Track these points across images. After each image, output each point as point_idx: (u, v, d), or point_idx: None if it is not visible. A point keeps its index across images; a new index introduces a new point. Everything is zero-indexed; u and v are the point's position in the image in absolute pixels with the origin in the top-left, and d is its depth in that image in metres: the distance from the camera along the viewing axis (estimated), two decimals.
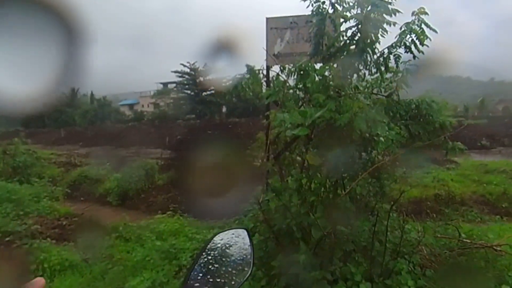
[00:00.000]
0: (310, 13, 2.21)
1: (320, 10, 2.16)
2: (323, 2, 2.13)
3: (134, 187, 5.81)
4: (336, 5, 2.15)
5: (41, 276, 0.41)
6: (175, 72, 21.43)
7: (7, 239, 3.44)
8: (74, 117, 22.22)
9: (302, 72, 2.38)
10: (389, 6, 1.92)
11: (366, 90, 2.28)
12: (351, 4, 2.06)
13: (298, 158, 2.61)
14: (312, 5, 2.15)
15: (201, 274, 0.64)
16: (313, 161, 2.50)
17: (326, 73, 2.24)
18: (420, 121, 2.12)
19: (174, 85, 23.63)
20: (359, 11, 2.02)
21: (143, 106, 25.94)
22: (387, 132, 2.14)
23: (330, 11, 2.17)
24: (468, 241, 2.23)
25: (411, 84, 2.09)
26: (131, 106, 27.18)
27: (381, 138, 2.16)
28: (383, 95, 2.24)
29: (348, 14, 2.07)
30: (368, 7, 1.98)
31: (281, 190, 2.50)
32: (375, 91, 2.31)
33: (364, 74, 2.24)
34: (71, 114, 22.02)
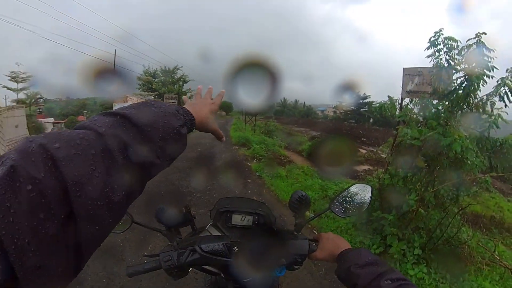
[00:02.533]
0: (432, 65, 3.10)
1: (438, 64, 3.01)
2: (441, 59, 2.97)
3: (315, 150, 9.17)
4: (450, 61, 2.91)
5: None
6: (347, 95, 33.81)
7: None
8: (295, 113, 43.73)
9: (423, 105, 3.36)
10: (489, 63, 2.58)
11: (465, 124, 2.89)
12: (461, 60, 2.81)
13: (410, 160, 3.67)
14: (433, 60, 3.04)
15: (338, 203, 0.97)
16: (420, 164, 3.48)
17: (440, 107, 3.07)
18: (501, 157, 2.54)
19: (345, 103, 35.76)
20: (467, 66, 2.77)
21: (328, 112, 45.28)
22: (474, 158, 2.84)
23: (445, 65, 2.96)
24: (498, 257, 2.50)
25: (501, 126, 2.54)
26: (322, 111, 47.14)
27: (469, 162, 2.89)
28: (477, 131, 2.77)
29: (458, 67, 2.84)
30: (473, 63, 2.70)
31: (394, 175, 3.76)
32: (472, 126, 2.85)
33: (466, 111, 2.88)
34: (288, 112, 43.88)
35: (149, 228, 0.89)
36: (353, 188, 0.97)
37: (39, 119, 19.94)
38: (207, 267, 0.92)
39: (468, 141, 2.82)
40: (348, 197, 0.97)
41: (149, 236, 2.94)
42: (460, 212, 2.91)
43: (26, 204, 0.30)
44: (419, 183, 3.44)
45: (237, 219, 1.03)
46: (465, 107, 2.91)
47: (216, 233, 1.01)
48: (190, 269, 0.91)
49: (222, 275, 0.93)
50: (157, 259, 0.86)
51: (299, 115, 44.08)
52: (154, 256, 0.88)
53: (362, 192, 0.97)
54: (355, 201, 0.96)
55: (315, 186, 5.11)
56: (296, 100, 47.86)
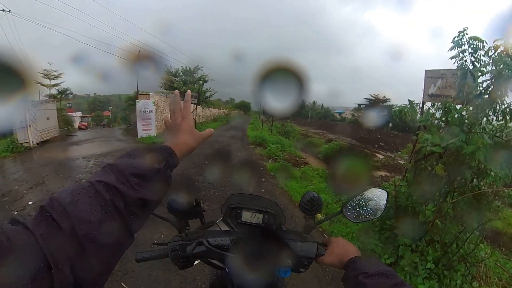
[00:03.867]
0: (455, 67, 2.90)
1: (463, 66, 2.82)
2: (465, 61, 2.78)
3: (331, 153, 8.84)
4: (475, 62, 2.72)
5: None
6: (366, 98, 37.22)
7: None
8: (313, 114, 44.21)
9: (446, 109, 3.19)
10: None
11: (491, 132, 2.66)
12: (487, 62, 2.61)
13: (429, 167, 3.52)
14: (457, 62, 2.85)
15: (350, 207, 0.93)
16: (439, 172, 3.32)
17: (463, 113, 2.87)
18: None
19: (364, 105, 38.76)
20: (493, 68, 2.57)
21: (346, 114, 45.13)
22: (498, 170, 2.69)
23: (471, 67, 2.75)
24: None
25: None
26: (339, 114, 47.30)
27: (492, 173, 2.73)
28: (503, 139, 2.56)
29: (484, 69, 2.65)
30: (500, 65, 2.48)
31: (411, 183, 3.64)
32: (497, 134, 2.61)
33: (492, 119, 2.67)
34: (305, 113, 44.44)
35: (159, 217, 0.90)
36: (368, 193, 0.93)
37: (69, 113, 21.21)
38: (213, 260, 0.93)
39: (492, 150, 2.63)
40: (362, 202, 0.93)
41: (163, 226, 3.06)
42: (480, 228, 2.73)
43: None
44: (437, 193, 3.31)
45: (247, 216, 1.04)
46: (490, 113, 2.72)
47: (225, 228, 1.02)
48: (196, 261, 0.93)
49: (227, 270, 0.94)
50: (165, 248, 0.89)
51: (317, 117, 44.43)
52: (163, 245, 0.91)
53: (377, 197, 0.93)
54: (369, 206, 0.92)
55: (329, 189, 5.06)
56: (314, 101, 47.67)
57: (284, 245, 0.90)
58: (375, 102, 36.22)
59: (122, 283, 2.53)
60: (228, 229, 1.02)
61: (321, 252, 0.90)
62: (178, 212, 0.92)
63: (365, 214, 0.92)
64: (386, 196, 0.93)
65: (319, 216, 3.73)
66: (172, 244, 0.89)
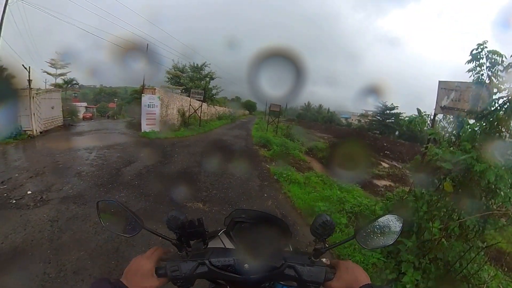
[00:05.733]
0: (471, 80, 2.80)
1: (479, 80, 2.73)
2: (482, 74, 2.69)
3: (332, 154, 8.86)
4: (492, 77, 2.63)
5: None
6: (373, 105, 35.44)
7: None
8: (318, 118, 44.33)
9: (458, 123, 3.12)
10: None
11: (503, 151, 2.61)
12: (504, 78, 2.52)
13: (437, 181, 3.44)
14: (473, 75, 2.76)
15: (364, 233, 0.88)
16: (448, 188, 3.23)
17: (476, 128, 2.80)
18: None
19: (371, 112, 37.79)
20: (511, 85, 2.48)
21: (352, 120, 43.73)
22: (508, 190, 2.61)
23: (487, 81, 2.67)
24: None
25: None
26: (346, 118, 45.79)
27: (502, 193, 2.65)
28: None
29: (501, 86, 2.56)
30: None
31: (418, 197, 3.56)
32: (510, 153, 2.56)
33: (505, 136, 2.60)
34: (311, 116, 43.76)
35: (158, 235, 0.87)
36: (383, 219, 0.90)
37: (74, 103, 21.31)
38: (217, 280, 0.90)
39: (503, 169, 2.57)
40: (377, 229, 0.89)
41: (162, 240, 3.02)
42: (485, 248, 2.65)
43: None
44: (444, 210, 3.22)
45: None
46: (504, 130, 2.64)
47: (227, 241, 0.99)
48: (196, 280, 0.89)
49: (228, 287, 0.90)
50: (163, 267, 0.85)
51: (322, 121, 43.81)
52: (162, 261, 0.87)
53: (393, 224, 0.89)
54: (384, 232, 0.89)
55: (333, 197, 4.98)
56: (320, 105, 47.15)
57: (290, 269, 0.85)
58: (382, 109, 35.67)
59: None
60: (231, 244, 0.98)
61: (329, 276, 0.85)
62: (179, 231, 0.86)
63: (379, 241, 0.89)
64: (401, 223, 0.89)
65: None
66: (172, 263, 0.84)
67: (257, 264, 0.85)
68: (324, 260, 0.90)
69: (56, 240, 3.14)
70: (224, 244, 1.00)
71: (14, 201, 4.19)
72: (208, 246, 0.92)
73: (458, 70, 3.02)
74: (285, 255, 0.91)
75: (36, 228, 3.38)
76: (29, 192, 4.56)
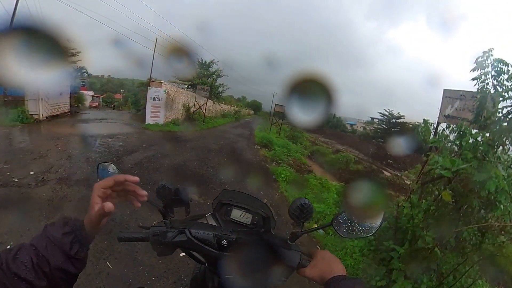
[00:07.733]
0: (476, 90, 2.76)
1: (484, 89, 2.68)
2: (487, 84, 2.64)
3: (337, 165, 8.63)
4: (497, 86, 2.58)
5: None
6: (380, 113, 36.84)
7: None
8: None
9: (461, 132, 3.07)
10: None
11: (506, 162, 2.55)
12: (510, 87, 2.47)
13: (436, 191, 3.39)
14: (478, 84, 2.71)
15: (341, 220, 0.87)
16: (446, 198, 3.18)
17: (479, 138, 2.74)
18: None
19: (377, 120, 38.26)
20: None
21: (357, 126, 44.65)
22: (509, 204, 2.56)
23: (492, 90, 2.61)
24: None
25: None
26: (351, 125, 46.88)
27: (501, 206, 2.60)
28: None
29: (506, 95, 2.50)
30: None
31: (415, 205, 3.52)
32: None
33: (509, 148, 2.55)
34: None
35: (148, 201, 0.91)
36: (365, 210, 0.85)
37: (82, 91, 21.55)
38: (194, 253, 0.91)
39: (505, 182, 2.50)
40: (357, 218, 0.86)
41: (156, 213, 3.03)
42: (480, 262, 2.60)
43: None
44: (441, 219, 3.18)
45: (236, 214, 1.02)
46: (507, 142, 2.59)
47: (213, 222, 1.00)
48: (176, 250, 0.91)
49: (206, 265, 0.92)
50: (147, 232, 0.88)
51: (327, 125, 44.33)
52: (146, 228, 0.90)
53: (374, 216, 0.86)
54: (364, 224, 0.85)
55: (329, 200, 4.95)
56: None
57: (268, 249, 0.86)
58: (388, 118, 36.09)
59: (107, 262, 2.58)
60: (215, 224, 1.00)
61: (304, 263, 0.84)
62: (165, 199, 0.89)
63: (357, 231, 0.86)
64: (382, 215, 0.87)
65: (308, 224, 3.65)
66: (155, 229, 0.88)
67: (235, 241, 0.87)
68: (303, 248, 0.90)
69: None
70: (207, 222, 1.02)
71: (16, 180, 4.25)
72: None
73: (465, 78, 2.97)
74: (263, 235, 0.93)
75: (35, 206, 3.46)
76: (31, 173, 4.63)
